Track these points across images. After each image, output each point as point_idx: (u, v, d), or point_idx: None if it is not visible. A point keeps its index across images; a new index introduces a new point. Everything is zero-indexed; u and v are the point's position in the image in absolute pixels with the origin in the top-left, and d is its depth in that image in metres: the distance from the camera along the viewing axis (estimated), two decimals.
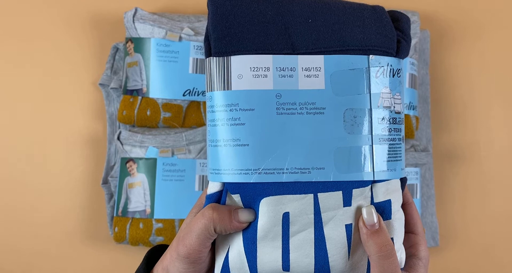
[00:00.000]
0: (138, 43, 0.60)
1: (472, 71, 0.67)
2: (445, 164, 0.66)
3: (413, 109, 0.62)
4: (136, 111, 0.60)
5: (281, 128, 0.31)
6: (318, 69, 0.31)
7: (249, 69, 0.31)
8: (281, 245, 0.31)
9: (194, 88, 0.61)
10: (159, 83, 0.60)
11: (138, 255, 0.63)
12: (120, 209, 0.59)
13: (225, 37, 0.31)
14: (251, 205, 0.32)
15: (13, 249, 0.63)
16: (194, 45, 0.60)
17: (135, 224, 0.59)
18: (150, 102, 0.60)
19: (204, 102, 0.62)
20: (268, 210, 0.31)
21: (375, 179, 0.31)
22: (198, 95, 0.61)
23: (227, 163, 0.31)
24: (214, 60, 0.31)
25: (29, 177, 0.64)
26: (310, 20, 0.31)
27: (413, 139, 0.63)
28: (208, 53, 0.32)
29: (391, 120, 0.32)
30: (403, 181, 0.35)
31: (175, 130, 0.61)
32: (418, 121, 0.63)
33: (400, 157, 0.33)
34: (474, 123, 0.67)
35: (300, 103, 0.31)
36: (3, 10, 0.65)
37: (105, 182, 0.63)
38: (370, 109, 0.31)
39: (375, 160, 0.31)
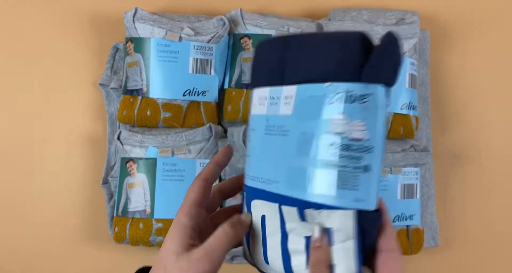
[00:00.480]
0: (138, 43, 0.60)
1: (472, 71, 0.67)
2: (445, 163, 0.66)
3: (413, 109, 0.62)
4: (136, 111, 0.60)
5: (265, 146, 0.37)
6: (291, 97, 0.35)
7: (257, 99, 0.38)
8: (261, 241, 0.37)
9: (194, 88, 0.61)
10: (159, 83, 0.60)
11: (138, 255, 0.63)
12: (120, 209, 0.59)
13: (251, 76, 0.40)
14: (247, 203, 0.38)
15: (13, 249, 0.63)
16: (194, 45, 0.61)
17: (135, 224, 0.59)
18: (150, 102, 0.60)
19: (204, 102, 0.62)
20: (253, 210, 0.37)
21: (315, 201, 0.32)
22: (198, 95, 0.61)
23: (245, 169, 0.39)
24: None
25: (29, 177, 0.64)
26: (295, 57, 0.36)
27: (413, 139, 0.63)
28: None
29: (343, 146, 0.32)
30: (380, 217, 0.34)
31: (175, 130, 0.61)
32: (418, 121, 0.63)
33: (356, 186, 0.32)
34: (474, 123, 0.67)
35: (277, 126, 0.36)
36: (3, 10, 0.65)
37: (105, 182, 0.63)
38: (318, 134, 0.33)
39: (316, 183, 0.33)
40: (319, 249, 0.32)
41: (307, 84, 0.34)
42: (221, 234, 0.35)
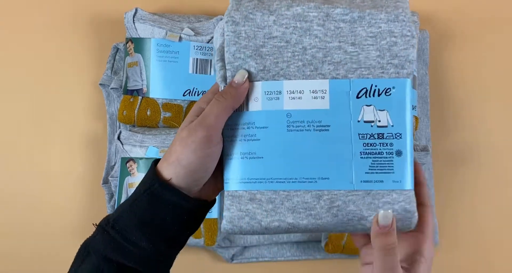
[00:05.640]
0: (138, 44, 0.60)
1: (471, 71, 0.68)
2: (444, 163, 0.66)
3: (413, 109, 0.62)
4: (136, 111, 0.60)
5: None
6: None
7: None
8: None
9: (194, 88, 0.61)
10: (159, 83, 0.60)
11: None
12: None
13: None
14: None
15: (13, 249, 0.63)
16: (194, 45, 0.61)
17: None
18: (150, 102, 0.60)
19: None
20: None
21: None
22: (198, 95, 0.61)
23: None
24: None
25: (29, 177, 0.64)
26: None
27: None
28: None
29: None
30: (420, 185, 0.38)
31: (175, 130, 0.61)
32: (418, 121, 0.63)
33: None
34: (474, 123, 0.67)
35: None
36: (3, 10, 0.66)
37: (106, 181, 0.63)
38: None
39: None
40: (389, 234, 0.35)
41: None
42: (213, 102, 0.37)
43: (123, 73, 0.62)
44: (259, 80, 0.37)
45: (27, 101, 0.65)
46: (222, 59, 0.39)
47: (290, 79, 0.37)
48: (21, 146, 0.64)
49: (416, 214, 0.37)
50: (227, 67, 0.38)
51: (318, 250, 0.64)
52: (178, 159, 0.36)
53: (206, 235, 0.60)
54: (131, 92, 0.61)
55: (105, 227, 0.37)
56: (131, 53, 0.61)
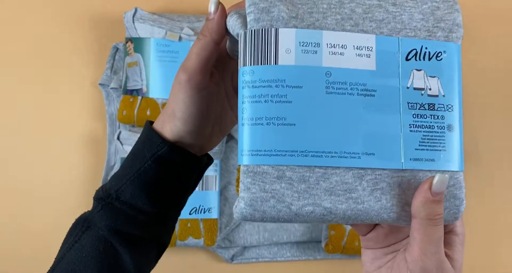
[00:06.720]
0: (138, 43, 0.60)
1: (471, 71, 0.67)
2: None
3: None
4: (136, 111, 0.60)
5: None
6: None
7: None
8: None
9: None
10: (159, 83, 0.60)
11: None
12: None
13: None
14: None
15: (13, 249, 0.63)
16: None
17: None
18: (150, 102, 0.60)
19: None
20: None
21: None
22: None
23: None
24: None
25: (29, 177, 0.64)
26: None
27: None
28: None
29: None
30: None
31: None
32: None
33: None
34: (474, 123, 0.67)
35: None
36: (3, 10, 0.65)
37: (105, 181, 0.63)
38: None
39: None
40: (440, 201, 0.30)
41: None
42: (193, 43, 0.34)
43: (123, 73, 0.62)
44: (292, 27, 0.31)
45: (26, 101, 0.65)
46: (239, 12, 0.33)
47: (330, 30, 0.31)
48: (21, 146, 0.64)
49: (465, 201, 0.32)
50: (248, 10, 0.31)
51: (318, 250, 0.64)
52: (174, 110, 0.34)
53: (206, 235, 0.60)
54: (130, 92, 0.61)
55: (108, 200, 0.35)
56: (130, 53, 0.61)
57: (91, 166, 0.65)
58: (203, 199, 0.61)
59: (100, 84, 0.64)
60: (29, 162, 0.64)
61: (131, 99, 0.60)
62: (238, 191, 0.63)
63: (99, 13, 0.66)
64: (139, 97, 0.60)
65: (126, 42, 0.61)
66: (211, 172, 0.62)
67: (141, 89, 0.60)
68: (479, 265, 0.65)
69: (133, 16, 0.61)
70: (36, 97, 0.65)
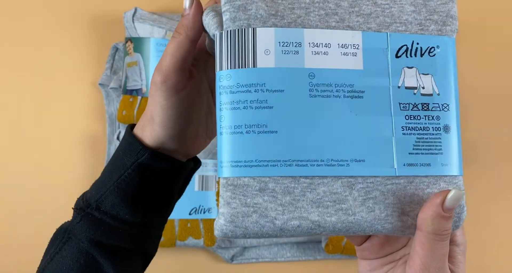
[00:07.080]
0: (137, 43, 0.60)
1: (471, 71, 0.67)
2: None
3: None
4: (136, 111, 0.60)
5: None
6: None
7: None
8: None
9: None
10: None
11: None
12: None
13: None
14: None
15: (12, 249, 0.63)
16: None
17: None
18: None
19: None
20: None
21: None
22: None
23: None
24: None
25: (29, 177, 0.64)
26: None
27: None
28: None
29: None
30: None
31: None
32: None
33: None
34: (474, 123, 0.67)
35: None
36: (2, 10, 0.65)
37: None
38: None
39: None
40: (450, 218, 0.28)
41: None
42: (168, 42, 0.32)
43: (123, 73, 0.62)
44: (271, 26, 0.28)
45: (26, 101, 0.65)
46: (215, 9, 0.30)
47: (312, 28, 0.29)
48: (21, 146, 0.64)
49: (466, 208, 0.30)
50: (224, 8, 0.29)
51: (318, 251, 0.64)
52: (152, 114, 0.32)
53: (206, 235, 0.60)
54: (130, 92, 0.61)
55: (87, 210, 0.34)
56: (130, 53, 0.61)
57: (91, 166, 0.64)
58: (203, 199, 0.61)
59: (100, 84, 0.64)
60: (29, 161, 0.64)
61: (131, 99, 0.60)
62: (218, 205, 0.63)
63: (99, 13, 0.66)
64: (139, 97, 0.60)
65: (126, 42, 0.61)
66: (211, 172, 0.62)
67: (140, 89, 0.60)
68: (479, 266, 0.65)
69: (133, 16, 0.60)
70: (36, 97, 0.65)
